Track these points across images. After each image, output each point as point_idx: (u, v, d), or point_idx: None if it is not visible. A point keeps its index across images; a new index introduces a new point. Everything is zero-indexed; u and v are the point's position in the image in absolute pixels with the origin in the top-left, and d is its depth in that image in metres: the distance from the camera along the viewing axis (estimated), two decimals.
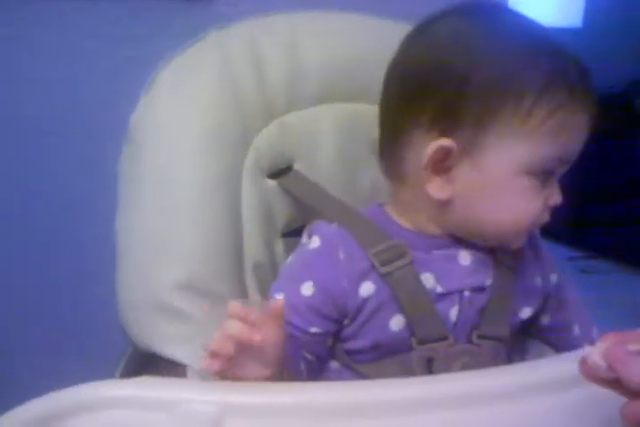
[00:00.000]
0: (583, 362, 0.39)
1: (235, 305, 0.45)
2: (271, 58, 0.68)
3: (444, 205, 0.55)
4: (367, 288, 0.55)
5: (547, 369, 0.48)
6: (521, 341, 0.65)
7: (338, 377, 0.58)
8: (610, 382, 0.38)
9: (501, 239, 0.57)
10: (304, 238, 0.60)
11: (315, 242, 0.57)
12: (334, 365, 0.58)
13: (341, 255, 0.56)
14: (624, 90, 3.70)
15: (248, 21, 0.71)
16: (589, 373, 0.38)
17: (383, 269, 0.55)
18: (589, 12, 4.06)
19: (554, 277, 0.63)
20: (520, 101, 0.50)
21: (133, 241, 0.63)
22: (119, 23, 1.05)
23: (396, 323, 0.55)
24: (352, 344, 0.57)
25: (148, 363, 0.62)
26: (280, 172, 0.67)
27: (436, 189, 0.54)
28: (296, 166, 0.68)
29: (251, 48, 0.68)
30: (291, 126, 0.68)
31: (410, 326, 0.55)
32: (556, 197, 0.55)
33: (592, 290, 2.22)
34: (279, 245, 0.67)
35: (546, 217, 0.55)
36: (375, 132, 0.71)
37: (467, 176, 0.53)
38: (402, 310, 0.55)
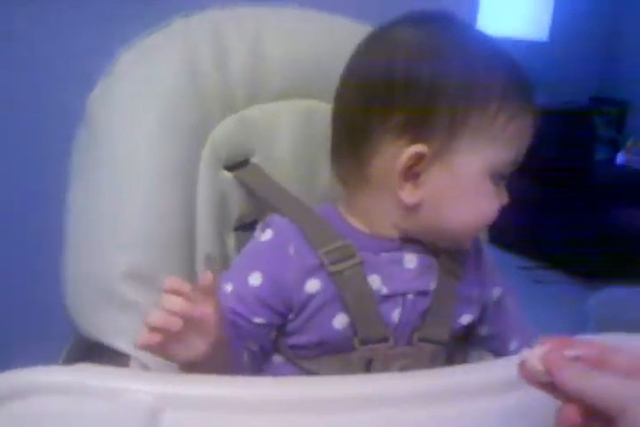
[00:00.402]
0: (522, 365, 0.39)
1: (172, 280, 0.45)
2: (235, 49, 0.67)
3: (412, 208, 0.55)
4: (313, 285, 0.55)
5: (485, 372, 0.49)
6: (462, 346, 0.66)
7: (280, 372, 0.58)
8: (546, 386, 0.39)
9: (459, 239, 0.59)
10: (257, 232, 0.60)
11: (267, 234, 0.58)
12: (278, 359, 0.58)
13: (291, 250, 0.56)
14: (585, 105, 3.82)
15: (214, 11, 0.70)
16: (528, 376, 0.39)
17: (332, 268, 0.55)
18: (556, 27, 4.16)
19: (497, 291, 0.64)
20: (486, 107, 0.52)
21: (82, 227, 0.62)
22: (81, 7, 1.03)
23: (340, 322, 0.56)
24: (296, 339, 0.57)
25: (91, 352, 0.60)
26: (237, 164, 0.67)
27: (407, 194, 0.54)
28: (254, 160, 0.68)
29: (215, 38, 0.67)
30: (250, 120, 0.68)
31: (353, 326, 0.55)
32: (504, 198, 0.58)
33: (543, 299, 2.29)
34: (231, 239, 0.67)
35: (496, 216, 0.58)
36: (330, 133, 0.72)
37: (436, 180, 0.54)
38: (346, 310, 0.55)
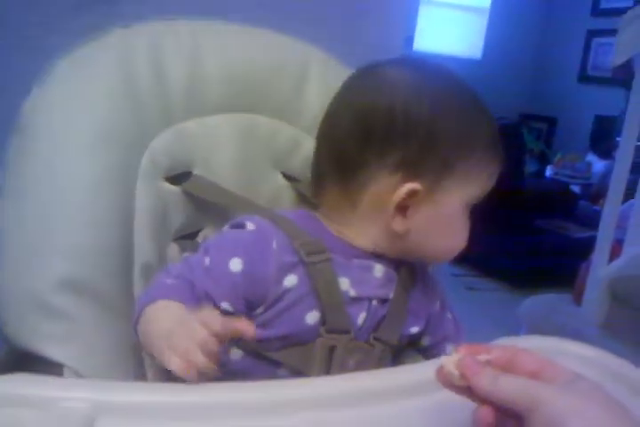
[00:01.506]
0: (439, 370, 0.43)
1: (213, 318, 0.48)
2: (173, 62, 0.68)
3: (399, 235, 0.60)
4: (291, 280, 0.58)
5: (409, 374, 0.51)
6: (409, 353, 0.69)
7: (238, 367, 0.58)
8: (462, 389, 0.42)
9: (431, 262, 0.68)
10: (226, 228, 0.62)
11: (250, 226, 0.60)
12: (237, 354, 0.59)
13: (274, 245, 0.58)
14: (515, 121, 3.98)
15: (152, 24, 0.71)
16: (444, 380, 0.43)
17: (309, 259, 0.58)
18: (489, 46, 4.33)
19: (437, 303, 0.69)
20: (472, 154, 0.59)
21: (15, 236, 0.60)
22: (17, 12, 1.01)
23: (312, 317, 0.58)
24: (261, 333, 0.57)
25: (23, 363, 0.59)
26: (179, 176, 0.67)
27: (397, 223, 0.60)
28: (195, 172, 0.69)
29: (153, 50, 0.68)
30: (189, 133, 0.68)
31: (322, 318, 0.58)
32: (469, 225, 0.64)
33: (475, 306, 2.36)
34: (172, 248, 0.67)
35: None
36: (273, 146, 0.73)
37: (424, 213, 0.60)
38: (319, 303, 0.58)
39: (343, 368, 0.59)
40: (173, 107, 0.68)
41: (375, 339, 0.61)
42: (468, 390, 0.41)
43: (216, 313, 0.49)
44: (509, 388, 0.39)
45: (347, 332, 0.59)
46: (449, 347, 0.69)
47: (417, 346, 0.69)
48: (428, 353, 0.69)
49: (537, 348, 0.52)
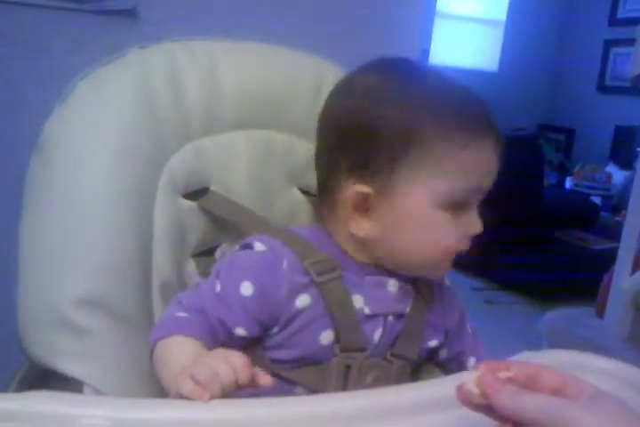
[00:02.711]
0: (459, 389, 0.42)
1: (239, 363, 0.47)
2: (190, 81, 0.69)
3: (366, 240, 0.59)
4: (304, 300, 0.57)
5: (429, 390, 0.51)
6: (428, 367, 0.69)
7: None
8: (482, 407, 0.41)
9: (423, 269, 0.62)
10: (236, 249, 0.62)
11: (259, 247, 0.59)
12: None
13: (285, 265, 0.58)
14: (533, 133, 3.96)
15: (170, 43, 0.72)
16: (464, 399, 0.42)
17: (319, 279, 0.57)
18: (505, 58, 4.32)
19: (456, 316, 0.68)
20: (420, 147, 0.56)
21: (35, 252, 0.61)
22: (39, 32, 1.03)
23: (326, 337, 0.58)
24: (278, 354, 0.58)
25: (44, 379, 0.60)
26: (196, 192, 0.68)
27: (357, 227, 0.59)
28: (212, 188, 0.69)
29: (171, 69, 0.69)
30: (206, 150, 0.69)
31: (337, 338, 0.58)
32: (474, 226, 0.59)
33: (495, 319, 2.33)
34: (190, 265, 0.67)
35: (464, 245, 0.59)
36: (289, 161, 0.74)
37: (384, 215, 0.58)
38: (333, 323, 0.58)
39: (360, 386, 0.58)
40: (191, 124, 0.69)
41: (393, 355, 0.61)
42: (488, 408, 0.40)
43: (242, 358, 0.48)
44: (531, 405, 0.38)
45: (362, 350, 0.59)
46: (468, 360, 0.68)
47: (435, 359, 0.68)
48: (446, 367, 0.68)
49: (557, 362, 0.52)
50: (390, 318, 0.61)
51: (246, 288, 0.57)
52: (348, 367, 0.58)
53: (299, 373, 0.58)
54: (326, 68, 0.79)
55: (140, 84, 0.67)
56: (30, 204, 0.63)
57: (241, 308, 0.56)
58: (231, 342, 0.56)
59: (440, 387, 0.51)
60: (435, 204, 0.56)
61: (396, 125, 0.56)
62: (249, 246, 0.60)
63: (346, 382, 0.58)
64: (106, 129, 0.64)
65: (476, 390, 0.41)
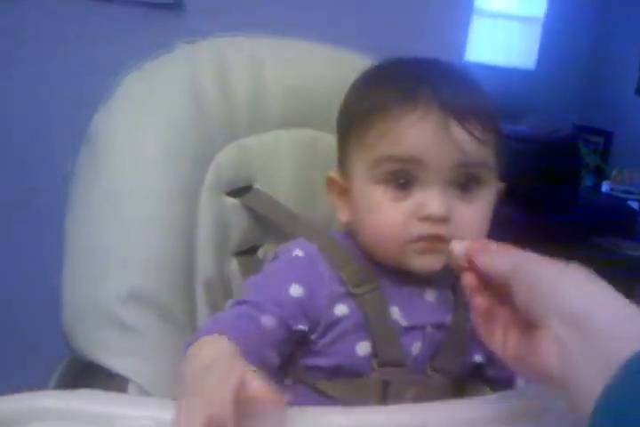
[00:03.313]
0: (450, 252, 0.48)
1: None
2: (237, 78, 0.69)
3: (350, 228, 0.60)
4: (342, 309, 0.56)
5: (487, 405, 0.49)
6: (475, 384, 0.65)
7: (294, 393, 0.56)
8: (466, 270, 0.46)
9: (391, 258, 0.57)
10: (277, 252, 0.60)
11: (298, 252, 0.58)
12: (287, 381, 0.58)
13: (324, 271, 0.57)
14: (571, 134, 3.88)
15: (217, 39, 0.72)
16: (452, 260, 0.48)
17: (355, 290, 0.56)
18: (542, 56, 4.25)
19: None
20: (360, 126, 0.57)
21: (82, 248, 0.62)
22: (85, 24, 1.03)
23: (363, 348, 0.56)
24: (315, 361, 0.57)
25: (85, 373, 0.60)
26: (240, 190, 0.68)
27: (340, 213, 0.60)
28: (256, 186, 0.69)
29: (219, 66, 0.68)
30: (251, 148, 0.69)
31: (374, 350, 0.56)
32: (426, 207, 0.54)
33: None
34: (231, 264, 0.67)
35: (422, 229, 0.54)
36: (332, 162, 0.73)
37: (350, 197, 0.59)
38: (369, 334, 0.56)
39: (399, 402, 0.56)
40: (237, 122, 0.68)
41: (433, 369, 0.58)
42: (470, 269, 0.46)
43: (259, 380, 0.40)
44: (501, 260, 0.44)
45: (401, 365, 0.57)
46: (519, 381, 0.64)
47: (483, 376, 0.65)
48: (495, 386, 0.64)
49: None
50: (429, 329, 0.58)
51: (295, 290, 0.55)
52: (387, 383, 0.56)
53: (336, 386, 0.57)
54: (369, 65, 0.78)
55: (189, 80, 0.67)
56: (77, 198, 0.63)
57: (295, 308, 0.54)
58: (291, 336, 0.54)
59: (483, 405, 0.49)
60: (371, 179, 0.55)
61: (349, 109, 0.60)
62: (289, 252, 0.59)
63: (385, 398, 0.56)
64: (154, 125, 0.64)
65: (462, 254, 0.46)
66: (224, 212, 0.66)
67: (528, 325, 0.41)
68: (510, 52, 4.23)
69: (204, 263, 0.63)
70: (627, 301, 0.38)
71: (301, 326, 0.55)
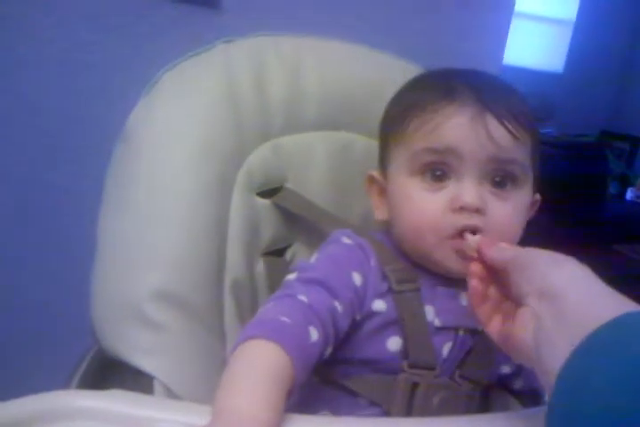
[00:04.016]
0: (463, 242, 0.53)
1: None
2: (275, 78, 0.68)
3: (388, 225, 0.62)
4: (379, 304, 0.57)
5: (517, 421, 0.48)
6: (501, 395, 0.66)
7: (315, 394, 0.58)
8: (474, 261, 0.50)
9: (426, 254, 0.57)
10: (327, 241, 0.61)
11: (347, 241, 0.59)
12: (313, 380, 0.57)
13: (372, 263, 0.58)
14: (598, 140, 3.83)
15: (256, 38, 0.72)
16: (462, 251, 0.53)
17: (397, 287, 0.57)
18: (571, 59, 4.19)
19: None
20: (389, 126, 0.62)
21: (113, 244, 0.61)
22: (126, 19, 1.04)
23: (394, 344, 0.57)
24: (344, 354, 0.57)
25: (110, 369, 0.60)
26: (271, 191, 0.67)
27: (378, 212, 0.63)
28: (287, 186, 0.69)
29: (257, 65, 0.68)
30: (285, 148, 0.69)
31: (405, 349, 0.57)
32: (462, 199, 0.54)
33: None
34: (260, 264, 0.67)
35: (457, 220, 0.54)
36: (369, 165, 0.74)
37: (388, 194, 0.61)
38: (402, 332, 0.57)
39: (426, 406, 0.56)
40: (272, 122, 0.68)
41: (462, 376, 0.59)
42: (480, 261, 0.50)
43: None
44: (505, 251, 0.48)
45: (431, 368, 0.57)
46: (545, 397, 0.65)
47: (509, 387, 0.66)
48: (522, 398, 0.65)
49: None
50: (461, 332, 0.59)
51: (357, 278, 0.56)
52: (416, 386, 0.56)
53: (363, 383, 0.57)
54: (410, 71, 0.77)
55: (226, 78, 0.66)
56: (111, 194, 0.63)
57: (356, 294, 0.55)
58: (339, 336, 0.54)
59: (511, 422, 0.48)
60: (408, 171, 0.57)
61: (389, 109, 0.63)
62: (337, 241, 0.60)
63: (411, 400, 0.56)
64: (191, 123, 0.64)
65: (474, 246, 0.51)
66: (254, 211, 0.66)
67: (517, 306, 0.44)
68: (539, 55, 4.18)
69: (234, 264, 0.63)
70: (607, 287, 0.40)
71: (357, 316, 0.56)
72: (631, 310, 0.36)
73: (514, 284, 0.44)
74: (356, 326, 0.56)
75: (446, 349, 0.58)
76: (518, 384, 0.65)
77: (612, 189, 3.69)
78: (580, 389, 0.34)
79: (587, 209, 2.58)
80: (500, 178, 0.56)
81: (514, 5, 1.14)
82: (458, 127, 0.55)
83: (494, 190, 0.56)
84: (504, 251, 0.48)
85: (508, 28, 1.15)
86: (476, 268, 0.50)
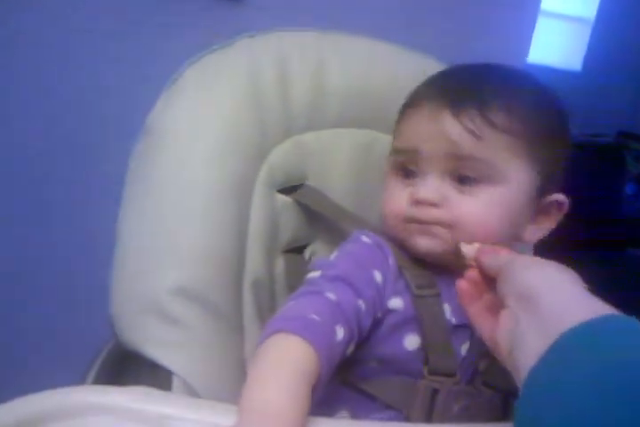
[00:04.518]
0: (458, 250, 0.54)
1: None
2: (298, 75, 0.68)
3: None
4: (396, 302, 0.57)
5: None
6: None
7: (333, 396, 0.57)
8: (472, 268, 0.51)
9: (398, 240, 0.60)
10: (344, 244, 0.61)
11: (366, 240, 0.60)
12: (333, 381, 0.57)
13: (391, 263, 0.58)
14: (615, 140, 3.79)
15: (279, 33, 0.71)
16: (463, 260, 0.53)
17: (417, 292, 0.57)
18: (590, 58, 4.15)
19: None
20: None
21: (134, 239, 0.61)
22: (147, 11, 1.03)
23: (411, 342, 0.57)
24: (362, 352, 0.56)
25: (129, 361, 0.60)
26: (292, 188, 0.67)
27: None
28: (308, 183, 0.69)
29: (280, 61, 0.68)
30: (307, 146, 0.68)
31: (424, 352, 0.56)
32: (417, 194, 0.57)
33: None
34: (279, 263, 0.66)
35: (415, 213, 0.57)
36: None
37: None
38: (421, 334, 0.56)
39: (446, 412, 0.56)
40: (295, 119, 0.68)
41: (484, 384, 0.58)
42: (478, 268, 0.51)
43: None
44: (499, 258, 0.48)
45: (451, 375, 0.56)
46: None
47: None
48: None
49: None
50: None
51: (378, 276, 0.57)
52: (436, 392, 0.56)
53: (382, 386, 0.57)
54: (432, 68, 0.76)
55: (249, 74, 0.66)
56: (132, 189, 0.63)
57: (377, 292, 0.56)
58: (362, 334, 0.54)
59: None
60: (389, 169, 0.61)
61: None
62: (357, 240, 0.60)
63: (432, 407, 0.56)
64: (214, 119, 0.63)
65: (471, 255, 0.52)
66: (275, 209, 0.66)
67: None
68: (557, 53, 4.14)
69: (254, 262, 0.63)
70: (585, 291, 0.40)
71: (379, 314, 0.56)
72: (605, 313, 0.36)
73: (497, 287, 0.46)
74: (375, 324, 0.56)
75: (464, 347, 0.58)
76: None
77: (629, 190, 3.66)
78: (548, 391, 0.34)
79: (603, 209, 2.56)
80: (465, 174, 0.56)
81: (540, 4, 1.13)
82: (416, 127, 0.58)
83: (459, 186, 0.57)
84: (498, 258, 0.48)
85: (534, 26, 1.14)
86: (471, 274, 0.50)
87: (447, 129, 0.56)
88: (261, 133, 0.65)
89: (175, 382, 0.54)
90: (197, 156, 0.62)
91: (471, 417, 0.56)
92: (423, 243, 0.58)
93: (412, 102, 0.60)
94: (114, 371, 0.62)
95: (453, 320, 0.58)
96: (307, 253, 0.69)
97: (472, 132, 0.55)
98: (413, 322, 0.57)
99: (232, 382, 0.56)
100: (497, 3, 1.14)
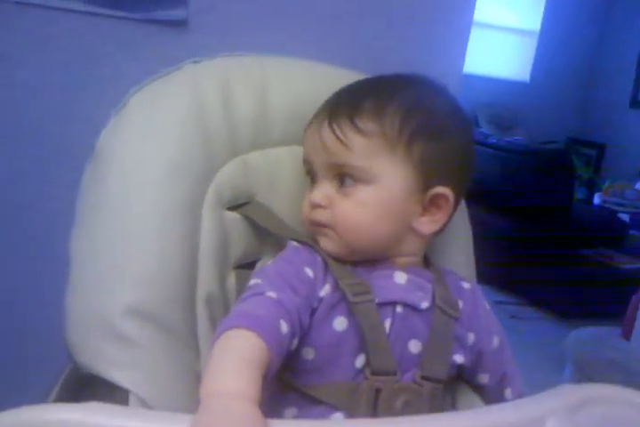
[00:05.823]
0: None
1: None
2: (242, 97, 0.71)
3: None
4: (341, 322, 0.60)
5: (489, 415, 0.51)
6: (462, 390, 0.68)
7: (283, 401, 0.60)
8: None
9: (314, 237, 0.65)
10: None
11: (295, 244, 0.65)
12: (279, 387, 0.60)
13: (318, 259, 0.63)
14: (565, 146, 3.92)
15: (223, 58, 0.74)
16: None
17: (353, 299, 0.59)
18: (537, 69, 4.29)
19: (496, 340, 0.68)
20: None
21: (86, 261, 0.63)
22: (90, 39, 1.04)
23: (360, 361, 0.59)
24: (299, 345, 0.58)
25: (87, 384, 0.61)
26: (240, 205, 0.69)
27: None
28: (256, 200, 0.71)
29: (223, 86, 0.70)
30: (252, 164, 0.71)
31: (367, 360, 0.59)
32: (312, 198, 0.64)
33: (519, 335, 2.31)
34: (231, 278, 0.68)
35: (313, 216, 0.64)
36: None
37: None
38: (364, 346, 0.59)
39: (390, 409, 0.58)
40: (240, 140, 0.70)
41: (423, 378, 0.61)
42: None
43: None
44: None
45: (392, 373, 0.59)
46: (508, 388, 0.67)
47: (475, 384, 0.68)
48: (485, 395, 0.68)
49: (601, 396, 0.52)
50: (399, 308, 0.61)
51: (309, 271, 0.61)
52: (379, 391, 0.58)
53: (326, 391, 0.59)
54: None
55: (194, 98, 0.68)
56: (82, 211, 0.65)
57: (311, 286, 0.60)
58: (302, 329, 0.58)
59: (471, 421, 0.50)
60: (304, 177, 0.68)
61: None
62: (289, 247, 0.65)
63: (375, 405, 0.58)
64: (160, 142, 0.65)
65: None
66: (225, 227, 0.67)
67: None
68: (505, 65, 4.27)
69: (206, 278, 0.64)
70: None
71: (315, 304, 0.59)
72: None
73: None
74: (311, 314, 0.59)
75: (387, 324, 0.61)
76: (484, 379, 0.67)
77: (580, 194, 3.78)
78: None
79: (555, 215, 2.63)
80: (345, 178, 0.63)
81: (472, 15, 1.18)
82: (308, 140, 0.66)
83: (342, 189, 0.63)
84: None
85: (468, 38, 1.19)
86: None
87: (325, 140, 0.63)
88: (207, 155, 0.67)
89: (132, 401, 0.56)
90: (143, 180, 0.64)
91: (414, 411, 0.58)
92: (323, 243, 0.64)
93: (313, 117, 0.66)
94: (72, 395, 0.63)
95: (376, 300, 0.60)
96: (257, 268, 0.71)
97: (341, 142, 0.61)
98: (358, 338, 0.59)
99: (188, 396, 0.58)
100: (430, 17, 1.19)
